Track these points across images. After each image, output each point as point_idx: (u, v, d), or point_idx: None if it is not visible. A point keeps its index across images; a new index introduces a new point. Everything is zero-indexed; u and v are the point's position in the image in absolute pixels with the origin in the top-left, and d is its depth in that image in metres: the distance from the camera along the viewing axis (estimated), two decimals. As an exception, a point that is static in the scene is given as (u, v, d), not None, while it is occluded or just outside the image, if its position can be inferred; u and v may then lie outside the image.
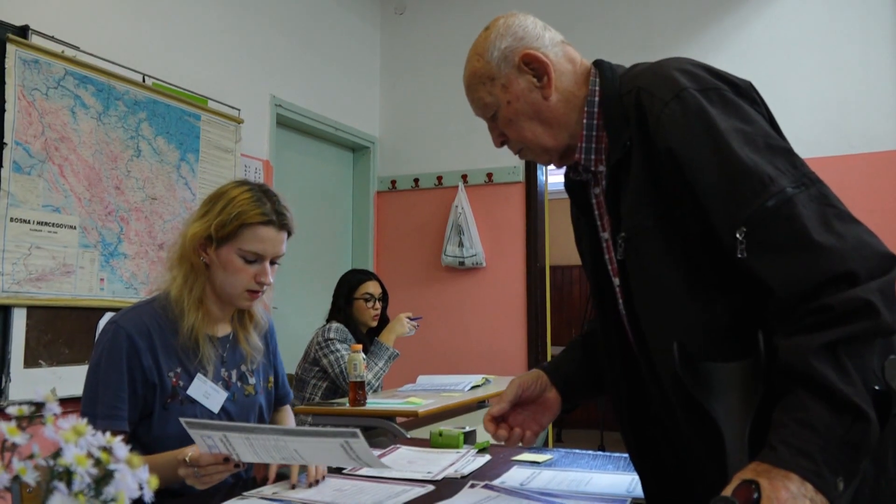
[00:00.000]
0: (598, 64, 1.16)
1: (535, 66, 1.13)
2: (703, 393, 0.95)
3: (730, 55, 4.11)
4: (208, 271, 1.52)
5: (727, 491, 0.81)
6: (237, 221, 1.47)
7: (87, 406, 1.42)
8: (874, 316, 0.83)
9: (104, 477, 0.59)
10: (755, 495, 0.78)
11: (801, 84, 3.95)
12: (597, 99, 1.12)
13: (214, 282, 1.52)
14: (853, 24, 3.88)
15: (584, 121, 1.13)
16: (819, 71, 3.93)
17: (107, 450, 0.61)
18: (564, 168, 1.23)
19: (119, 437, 0.67)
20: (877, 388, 0.87)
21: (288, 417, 1.80)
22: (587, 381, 1.34)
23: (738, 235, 0.92)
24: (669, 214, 1.02)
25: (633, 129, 1.05)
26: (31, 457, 0.64)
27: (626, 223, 1.07)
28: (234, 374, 1.58)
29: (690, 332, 1.01)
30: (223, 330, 1.60)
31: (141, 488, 0.64)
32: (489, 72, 1.15)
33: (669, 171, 1.00)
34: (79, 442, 0.61)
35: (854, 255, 0.86)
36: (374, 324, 3.27)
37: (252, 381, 1.61)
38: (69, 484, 0.58)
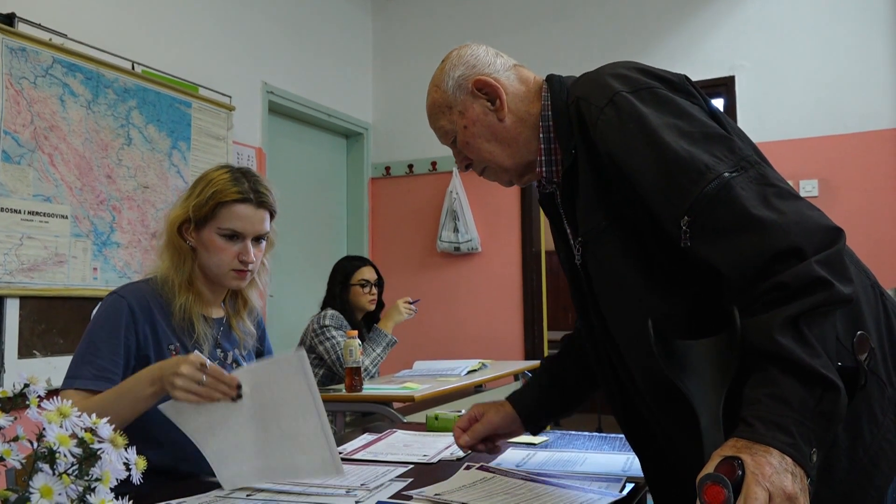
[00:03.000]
0: (548, 79, 1.20)
1: (487, 91, 1.18)
2: (676, 371, 0.96)
3: (723, 36, 4.09)
4: (195, 254, 1.53)
5: (708, 468, 0.81)
6: (213, 201, 1.49)
7: (74, 368, 1.43)
8: (828, 287, 0.85)
9: (88, 457, 0.58)
10: (739, 472, 0.78)
11: (794, 64, 3.93)
12: (549, 113, 1.17)
13: (201, 263, 1.54)
14: (846, 2, 3.86)
15: (541, 135, 1.17)
16: (813, 50, 3.91)
17: (91, 430, 0.60)
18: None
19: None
20: (840, 364, 0.89)
21: None
22: (550, 408, 1.45)
23: (682, 225, 0.94)
24: (621, 215, 1.05)
25: (577, 138, 1.09)
26: (15, 439, 0.63)
27: (581, 228, 1.11)
28: (229, 356, 1.59)
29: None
30: (217, 313, 1.61)
31: (128, 469, 0.63)
32: (446, 100, 1.21)
33: (614, 174, 1.04)
34: (63, 423, 0.60)
35: (796, 228, 0.88)
36: (372, 307, 3.28)
37: (244, 365, 1.62)
38: (52, 464, 0.57)
